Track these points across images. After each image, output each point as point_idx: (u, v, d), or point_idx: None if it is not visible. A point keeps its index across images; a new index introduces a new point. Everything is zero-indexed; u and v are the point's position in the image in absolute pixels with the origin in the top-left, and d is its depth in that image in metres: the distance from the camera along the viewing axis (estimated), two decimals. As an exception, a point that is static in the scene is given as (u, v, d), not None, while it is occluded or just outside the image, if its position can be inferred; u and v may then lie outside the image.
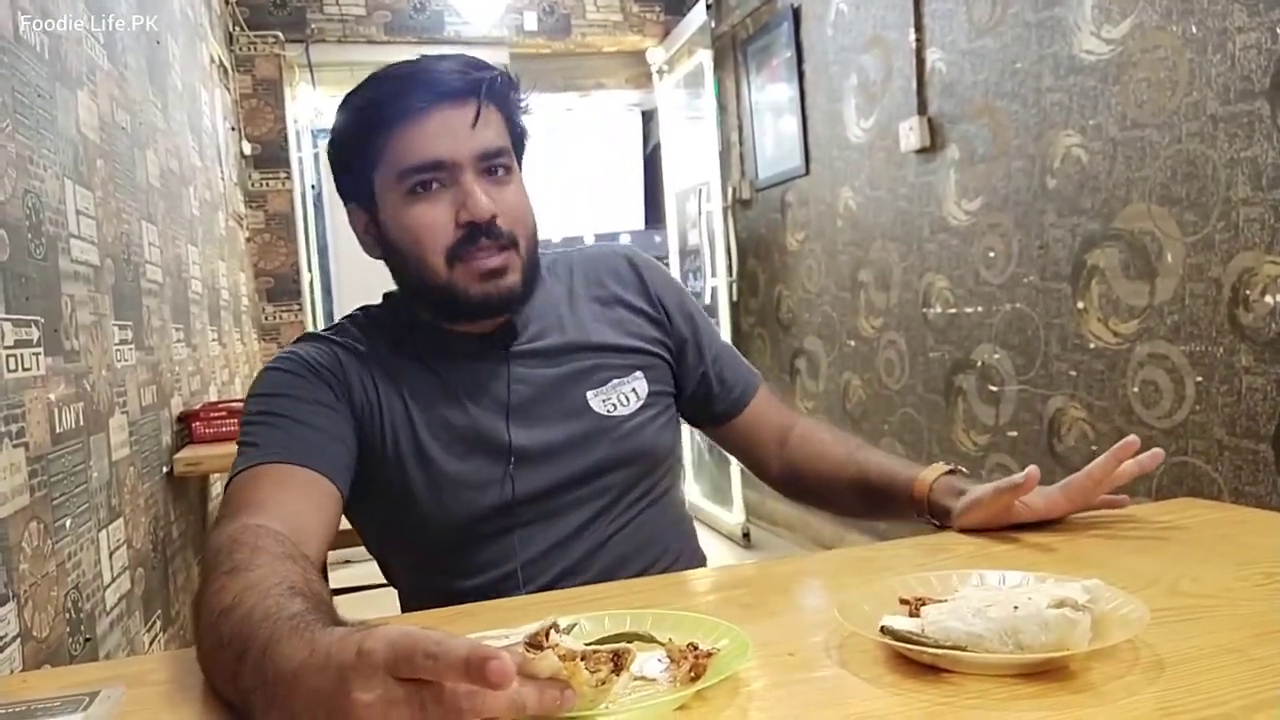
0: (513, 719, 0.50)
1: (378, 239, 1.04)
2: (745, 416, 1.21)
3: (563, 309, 1.12)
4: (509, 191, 1.00)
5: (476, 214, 0.96)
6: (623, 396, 1.08)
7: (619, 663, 0.56)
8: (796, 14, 3.45)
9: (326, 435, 0.95)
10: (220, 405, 2.40)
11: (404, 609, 1.11)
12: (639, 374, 1.11)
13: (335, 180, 1.06)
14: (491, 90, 0.99)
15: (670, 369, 1.16)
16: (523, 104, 1.06)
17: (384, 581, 1.16)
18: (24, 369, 1.24)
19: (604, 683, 0.55)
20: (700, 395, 1.19)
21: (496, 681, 0.46)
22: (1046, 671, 0.61)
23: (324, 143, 5.64)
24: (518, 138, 1.06)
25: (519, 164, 1.06)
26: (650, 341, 1.14)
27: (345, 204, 1.06)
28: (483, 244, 0.97)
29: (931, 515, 1.03)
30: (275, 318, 3.98)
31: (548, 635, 0.54)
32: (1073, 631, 0.60)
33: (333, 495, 0.93)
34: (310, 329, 4.14)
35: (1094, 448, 2.12)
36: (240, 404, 2.35)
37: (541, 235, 1.07)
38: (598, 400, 1.07)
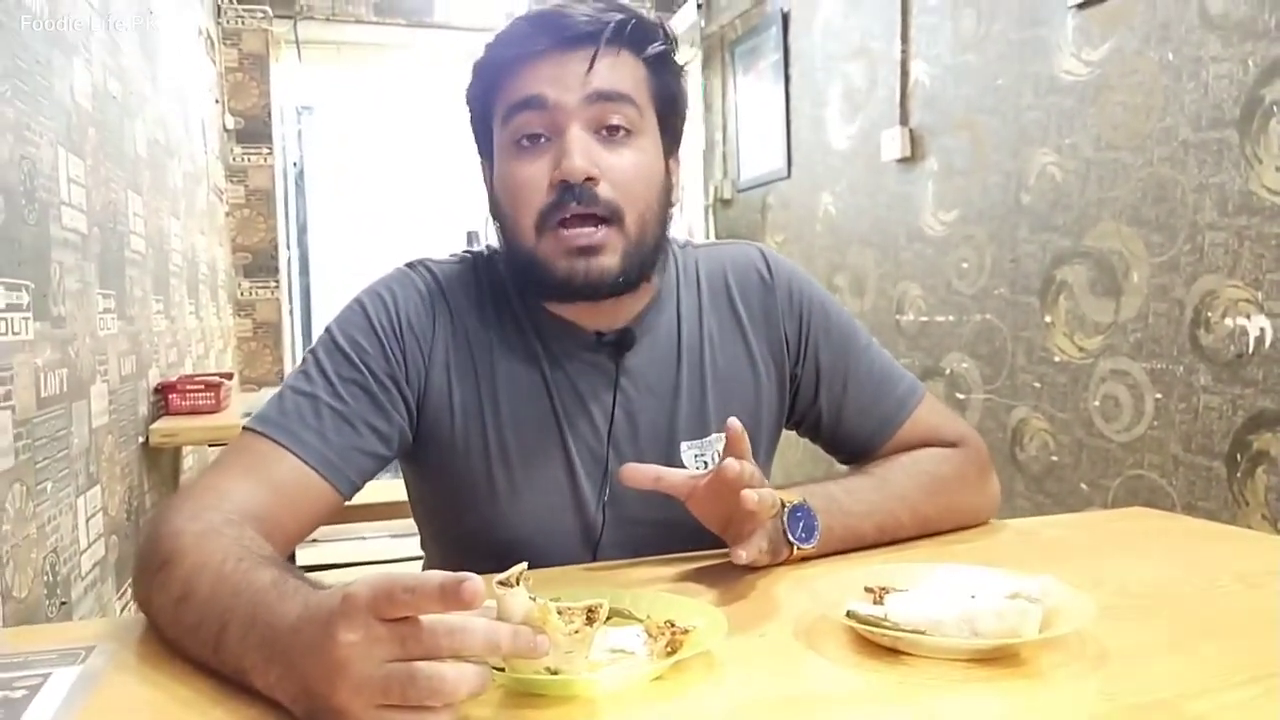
0: (488, 656, 0.54)
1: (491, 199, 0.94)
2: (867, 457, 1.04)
3: (683, 327, 0.99)
4: (624, 155, 0.87)
5: (567, 171, 0.84)
6: (717, 454, 0.90)
7: (591, 617, 0.58)
8: (786, 18, 3.49)
9: (359, 437, 0.88)
10: (196, 378, 2.41)
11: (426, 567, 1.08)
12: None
13: (473, 136, 0.97)
14: (619, 35, 0.86)
15: (780, 409, 1.04)
16: (669, 56, 0.90)
17: (349, 561, 1.17)
18: (13, 333, 1.25)
19: (577, 633, 0.57)
20: (810, 432, 1.07)
21: (469, 600, 0.50)
22: (999, 657, 0.65)
23: (307, 119, 5.49)
24: (665, 101, 0.92)
25: (669, 132, 0.94)
26: (763, 386, 1.02)
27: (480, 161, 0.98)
28: (574, 210, 0.85)
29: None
30: (251, 294, 3.97)
31: (518, 581, 0.56)
32: (1025, 621, 0.64)
33: (326, 500, 0.87)
34: (287, 305, 4.16)
35: (1054, 458, 2.18)
36: (215, 379, 2.38)
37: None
38: (690, 455, 0.96)
